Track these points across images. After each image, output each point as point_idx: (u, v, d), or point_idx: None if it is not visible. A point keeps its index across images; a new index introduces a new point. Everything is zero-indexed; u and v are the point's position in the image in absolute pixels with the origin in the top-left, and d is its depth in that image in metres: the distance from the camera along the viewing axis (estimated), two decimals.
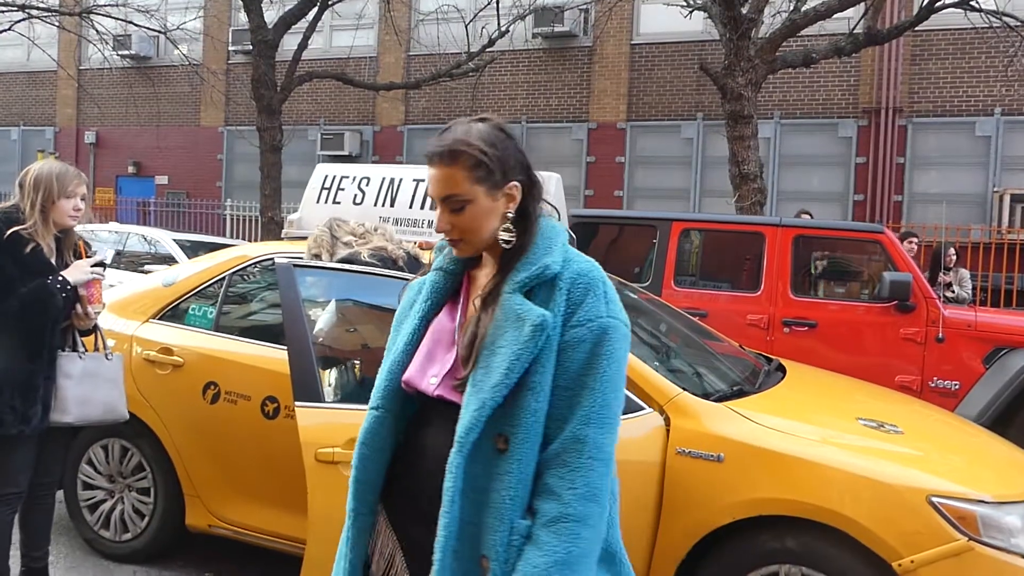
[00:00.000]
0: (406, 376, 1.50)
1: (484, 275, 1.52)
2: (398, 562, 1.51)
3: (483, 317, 1.43)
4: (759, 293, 5.67)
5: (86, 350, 3.02)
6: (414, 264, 3.05)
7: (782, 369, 3.61)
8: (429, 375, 1.47)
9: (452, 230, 1.44)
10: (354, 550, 1.53)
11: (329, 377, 2.76)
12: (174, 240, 8.82)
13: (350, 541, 1.54)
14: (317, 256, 3.00)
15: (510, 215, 1.45)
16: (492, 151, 1.43)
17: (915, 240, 8.11)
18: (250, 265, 3.59)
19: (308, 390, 2.56)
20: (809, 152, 12.84)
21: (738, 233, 6.16)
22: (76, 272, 2.89)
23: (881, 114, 12.32)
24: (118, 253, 8.78)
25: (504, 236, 1.44)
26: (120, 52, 16.83)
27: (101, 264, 3.01)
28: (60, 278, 2.85)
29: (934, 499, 2.46)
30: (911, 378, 5.33)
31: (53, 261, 2.91)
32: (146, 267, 8.12)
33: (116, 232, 9.32)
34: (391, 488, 1.53)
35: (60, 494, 3.51)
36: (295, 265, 2.39)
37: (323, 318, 2.85)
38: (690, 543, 2.63)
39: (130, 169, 17.94)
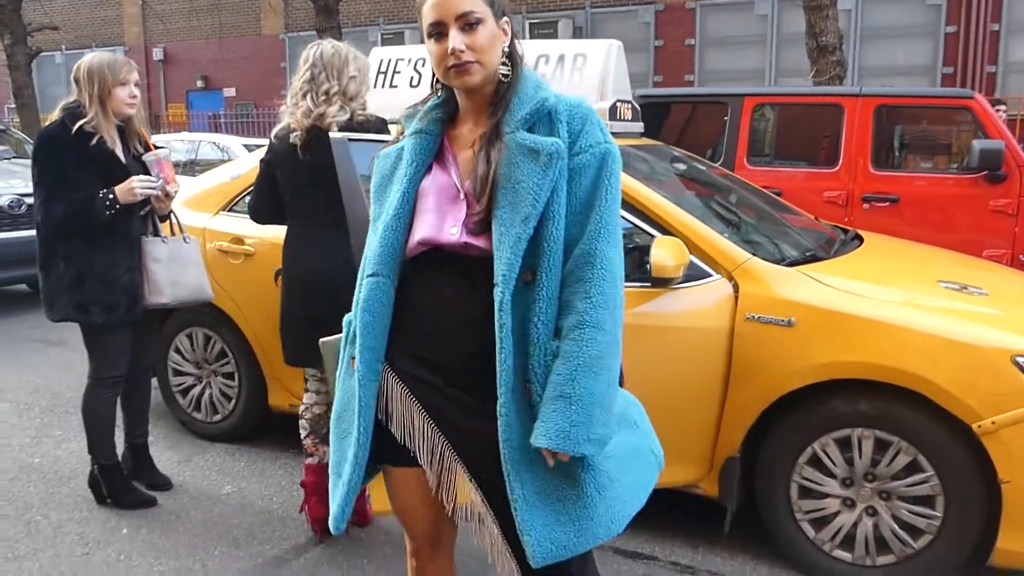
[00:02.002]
0: (423, 236, 1.50)
1: (467, 130, 1.56)
2: (419, 419, 1.54)
3: (492, 154, 1.47)
4: (837, 168, 5.42)
5: (165, 236, 3.12)
6: None
7: (859, 239, 3.47)
8: (447, 229, 1.49)
9: (467, 51, 1.46)
10: (365, 415, 1.55)
11: None
12: (243, 145, 8.98)
13: (362, 411, 1.54)
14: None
15: (505, 49, 1.52)
16: None
17: (1003, 109, 7.57)
18: None
19: None
20: (893, 23, 11.95)
21: (815, 106, 5.83)
22: (126, 193, 2.85)
23: None
24: (192, 162, 9.02)
25: (503, 69, 1.51)
26: None
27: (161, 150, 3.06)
28: (111, 196, 2.84)
29: (1020, 359, 2.36)
30: (1000, 252, 5.07)
31: (119, 152, 2.97)
32: None
33: (188, 141, 9.54)
34: (399, 346, 1.56)
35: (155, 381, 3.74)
36: (350, 140, 2.36)
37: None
38: (760, 409, 2.61)
39: (198, 83, 18.19)
